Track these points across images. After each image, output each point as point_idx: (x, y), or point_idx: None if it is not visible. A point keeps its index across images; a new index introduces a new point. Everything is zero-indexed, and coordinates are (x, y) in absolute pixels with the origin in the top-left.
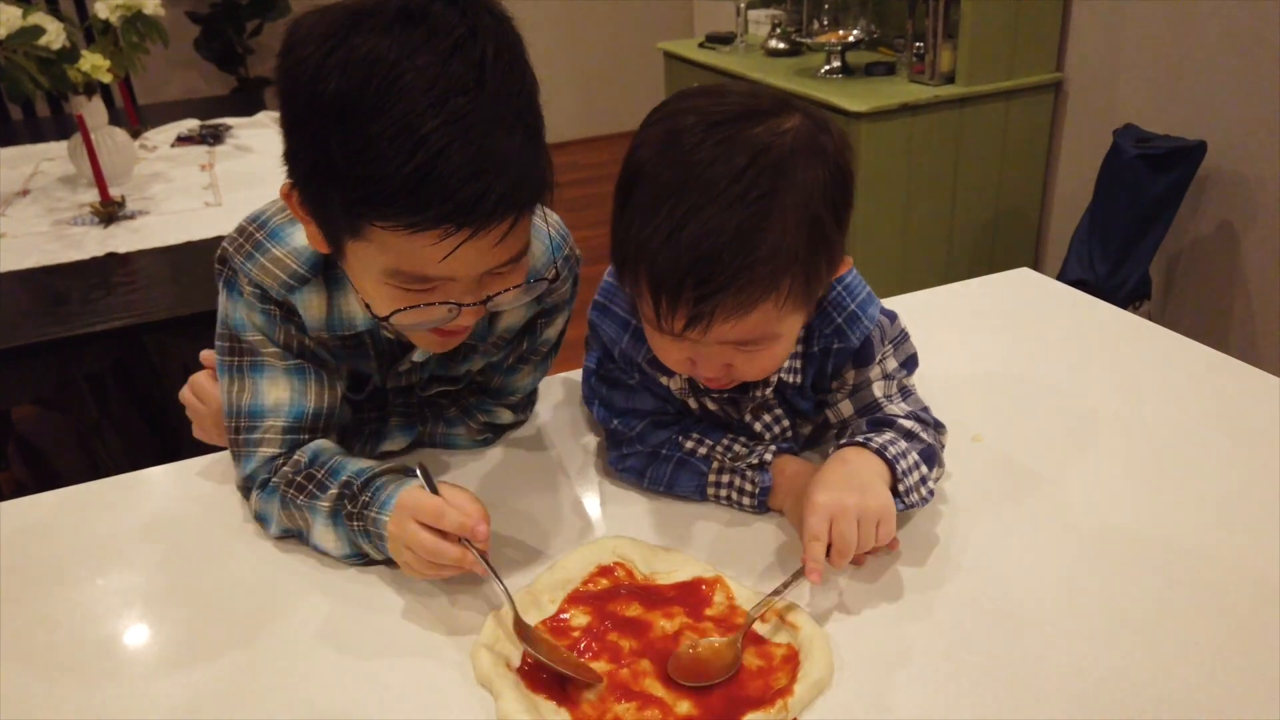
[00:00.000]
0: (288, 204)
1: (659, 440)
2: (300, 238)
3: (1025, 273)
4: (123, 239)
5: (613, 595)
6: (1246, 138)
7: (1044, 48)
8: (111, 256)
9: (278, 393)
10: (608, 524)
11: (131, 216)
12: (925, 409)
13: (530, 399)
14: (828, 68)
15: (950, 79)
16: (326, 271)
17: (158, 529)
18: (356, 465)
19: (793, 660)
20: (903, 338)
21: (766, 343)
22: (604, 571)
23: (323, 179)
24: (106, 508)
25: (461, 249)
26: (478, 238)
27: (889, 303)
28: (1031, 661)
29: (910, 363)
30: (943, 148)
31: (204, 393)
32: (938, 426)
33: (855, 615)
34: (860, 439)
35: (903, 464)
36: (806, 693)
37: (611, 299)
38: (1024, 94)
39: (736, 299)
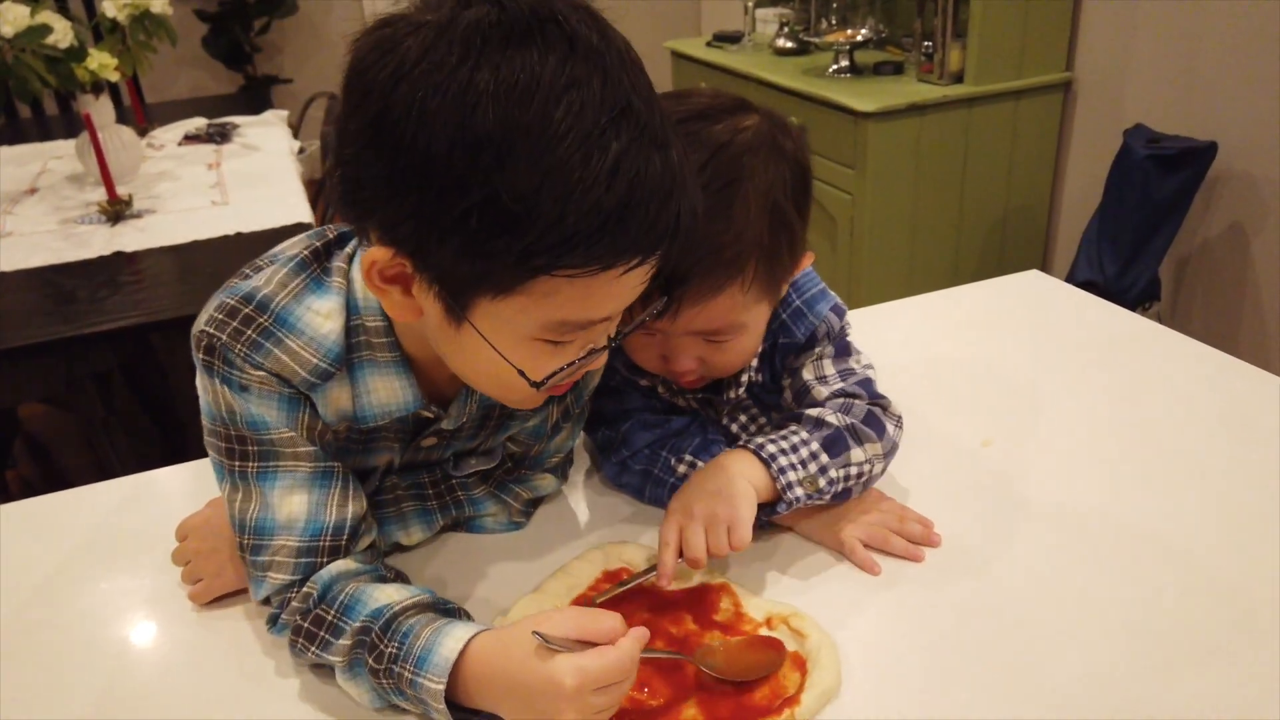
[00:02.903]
0: (369, 279)
1: (645, 443)
2: (315, 324)
3: (1034, 275)
4: (130, 238)
5: (619, 601)
6: (1257, 138)
7: (1053, 47)
8: (118, 255)
9: (292, 505)
10: (615, 529)
11: (138, 215)
12: (862, 382)
13: (569, 458)
14: (835, 67)
15: (959, 79)
16: (348, 358)
17: (166, 530)
18: (372, 600)
19: (800, 668)
20: (842, 331)
21: (734, 333)
22: (610, 577)
23: (485, 233)
24: (114, 509)
25: (636, 285)
26: (647, 271)
27: (897, 305)
28: (1042, 668)
29: (840, 345)
30: (951, 148)
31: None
32: (876, 399)
33: (864, 622)
34: (743, 441)
35: (783, 460)
36: (815, 701)
37: None
38: (1033, 94)
39: (703, 283)
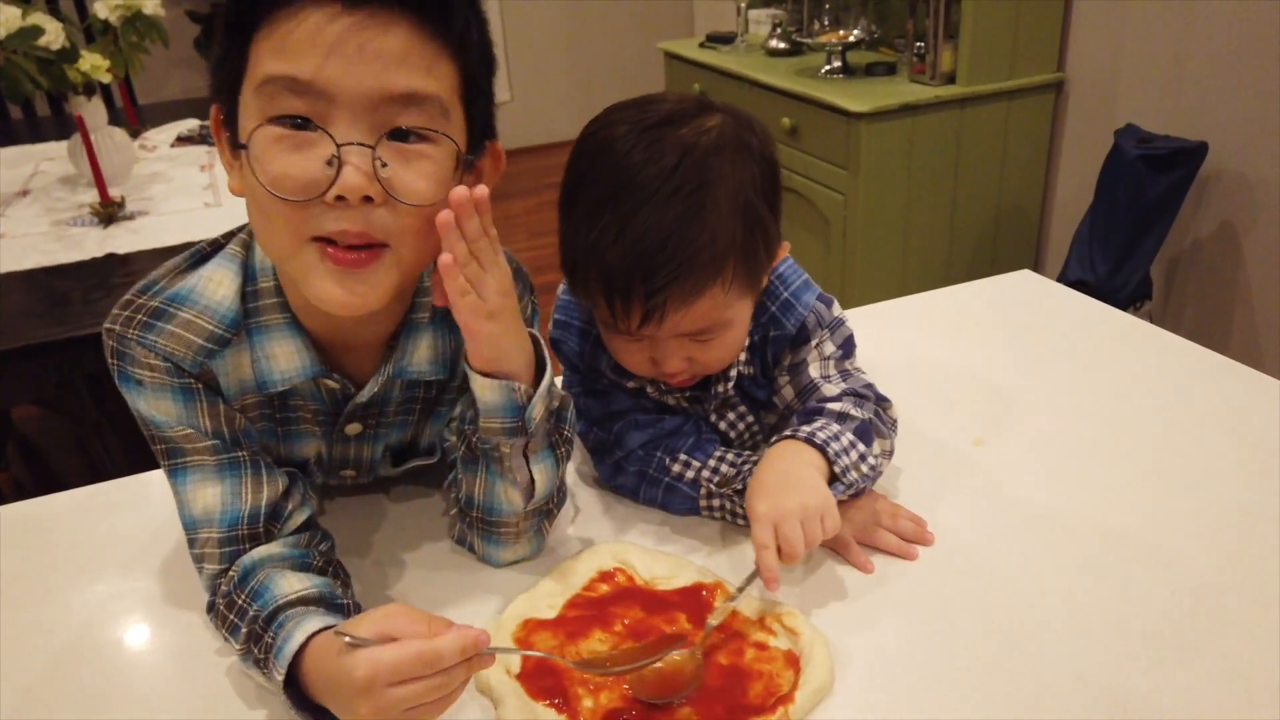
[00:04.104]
0: (218, 144)
1: (638, 444)
2: (210, 292)
3: (1026, 275)
4: (122, 239)
5: (614, 600)
6: (1248, 138)
7: (1045, 48)
8: (111, 257)
9: (206, 498)
10: (609, 529)
11: (131, 217)
12: (867, 385)
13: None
14: (828, 68)
15: (951, 79)
16: (245, 323)
17: (159, 532)
18: (274, 590)
19: (794, 666)
20: (838, 323)
21: (719, 331)
22: (605, 577)
23: (228, 26)
24: (108, 511)
25: (342, 40)
26: (365, 29)
27: (890, 305)
28: (1032, 666)
29: (847, 345)
30: (943, 148)
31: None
32: (880, 400)
33: (856, 620)
34: (789, 431)
35: (835, 446)
36: (808, 699)
37: (569, 314)
38: (1025, 94)
39: (684, 287)
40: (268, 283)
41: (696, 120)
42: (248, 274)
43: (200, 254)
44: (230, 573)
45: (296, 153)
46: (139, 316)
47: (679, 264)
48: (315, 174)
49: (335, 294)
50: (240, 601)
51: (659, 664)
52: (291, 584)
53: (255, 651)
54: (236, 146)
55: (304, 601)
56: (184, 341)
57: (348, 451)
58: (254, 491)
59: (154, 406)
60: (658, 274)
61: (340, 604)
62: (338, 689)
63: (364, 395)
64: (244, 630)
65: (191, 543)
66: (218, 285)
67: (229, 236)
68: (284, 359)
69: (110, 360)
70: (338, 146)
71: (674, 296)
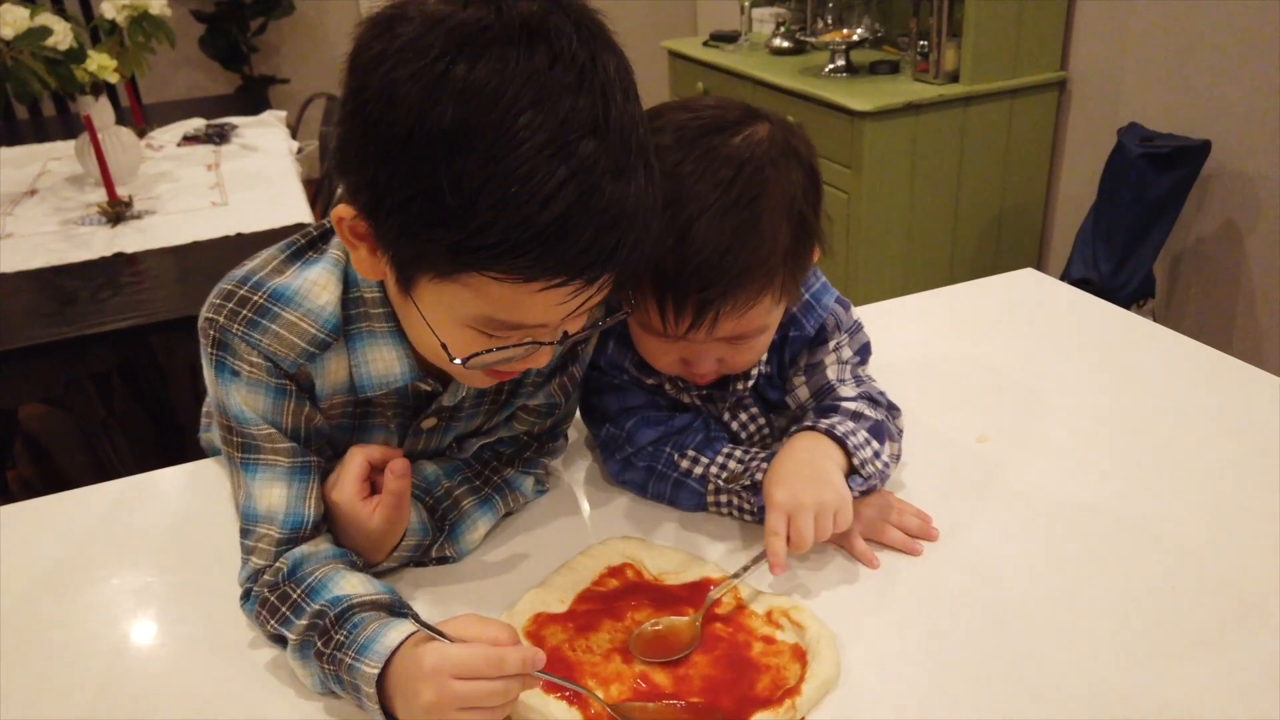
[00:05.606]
0: (339, 229)
1: (649, 440)
2: (313, 294)
3: (1029, 273)
4: (130, 239)
5: (623, 595)
6: (1251, 136)
7: (1048, 46)
8: (119, 256)
9: (272, 498)
10: (617, 525)
11: (138, 216)
12: (881, 393)
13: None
14: (832, 66)
15: (954, 78)
16: (345, 329)
17: (167, 530)
18: (336, 588)
19: (800, 660)
20: (856, 328)
21: (757, 335)
22: (614, 572)
23: (424, 219)
24: (115, 509)
25: (577, 304)
26: (593, 287)
27: (893, 304)
28: (1036, 662)
29: (864, 351)
30: (947, 147)
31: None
32: (891, 408)
33: (862, 615)
34: (808, 423)
35: (853, 440)
36: (814, 692)
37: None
38: (1028, 93)
39: (738, 298)
40: (373, 293)
41: (745, 129)
42: (350, 280)
43: (296, 248)
44: (278, 564)
45: (495, 342)
46: (244, 312)
47: (737, 275)
48: (511, 357)
49: (479, 384)
50: (295, 595)
51: (659, 626)
52: (356, 586)
53: (319, 644)
54: (405, 281)
55: (377, 606)
56: (287, 343)
57: (417, 444)
58: (318, 499)
59: (245, 400)
60: (716, 285)
61: (405, 614)
62: (407, 680)
63: (450, 399)
64: (303, 623)
65: (246, 533)
66: (322, 289)
67: (322, 231)
68: (383, 365)
69: (209, 349)
70: (538, 345)
71: (728, 307)
